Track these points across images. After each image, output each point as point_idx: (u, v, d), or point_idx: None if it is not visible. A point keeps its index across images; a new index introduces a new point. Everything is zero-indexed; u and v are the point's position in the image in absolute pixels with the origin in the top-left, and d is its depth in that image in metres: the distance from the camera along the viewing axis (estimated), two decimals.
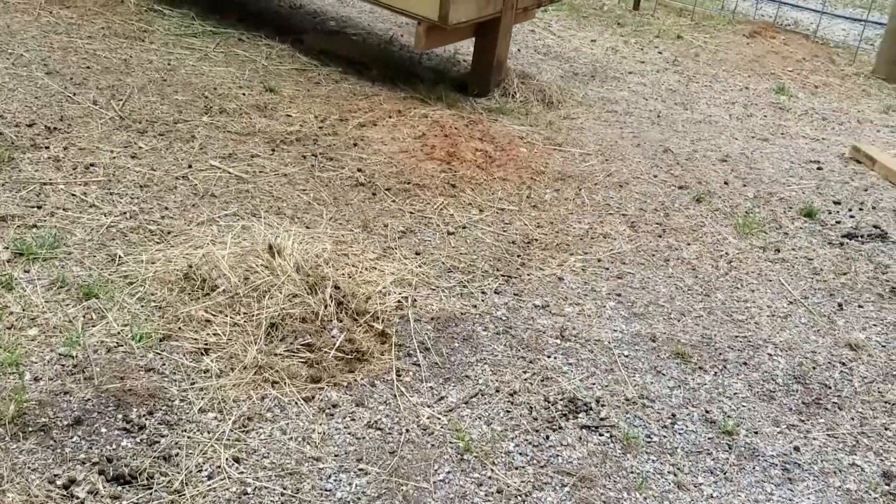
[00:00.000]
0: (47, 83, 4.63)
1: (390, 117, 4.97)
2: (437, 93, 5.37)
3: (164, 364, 2.93)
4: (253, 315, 3.12)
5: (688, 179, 4.88)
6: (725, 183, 4.91)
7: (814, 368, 3.46)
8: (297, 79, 5.31)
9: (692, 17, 8.61)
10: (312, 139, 4.60)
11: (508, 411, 3.01)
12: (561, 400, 3.09)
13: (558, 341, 3.39)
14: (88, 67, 4.91)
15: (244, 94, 4.96)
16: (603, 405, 3.10)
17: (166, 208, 3.79)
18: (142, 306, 3.16)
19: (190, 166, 4.15)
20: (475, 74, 5.45)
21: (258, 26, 6.00)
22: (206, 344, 3.02)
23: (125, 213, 3.70)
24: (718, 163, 5.17)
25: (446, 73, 5.86)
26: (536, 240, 4.08)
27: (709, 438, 3.03)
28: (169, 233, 3.61)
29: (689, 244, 4.24)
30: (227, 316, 3.13)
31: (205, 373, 2.92)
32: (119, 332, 3.01)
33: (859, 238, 4.46)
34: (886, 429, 3.21)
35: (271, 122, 4.70)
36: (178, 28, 5.74)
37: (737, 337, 3.58)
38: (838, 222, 4.64)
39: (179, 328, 3.07)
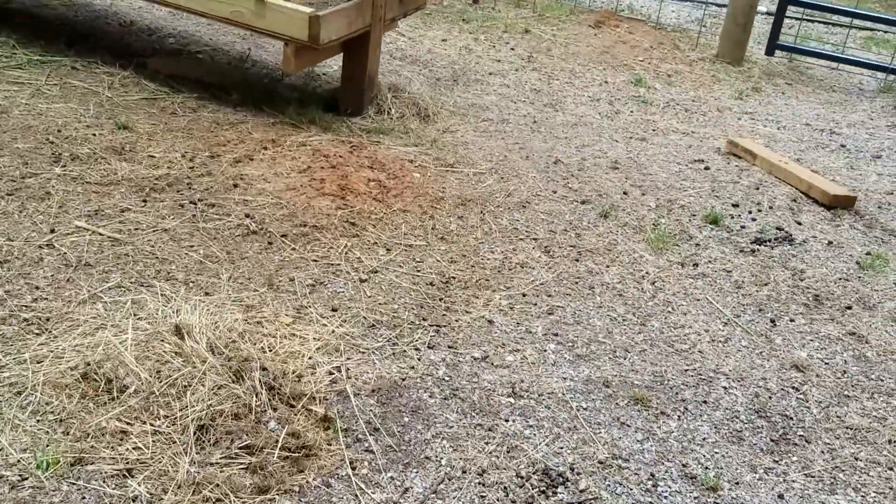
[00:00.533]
0: None
1: (265, 149, 4.51)
2: (308, 115, 4.94)
3: (84, 497, 2.43)
4: (176, 418, 2.66)
5: (587, 193, 4.66)
6: (625, 193, 4.72)
7: (770, 398, 3.30)
8: (148, 110, 4.76)
9: (533, 8, 8.45)
10: (186, 183, 4.09)
11: (483, 496, 2.68)
12: (534, 474, 2.79)
13: (511, 399, 3.09)
14: None
15: (94, 135, 4.39)
16: (579, 473, 2.81)
17: (37, 287, 3.23)
18: (38, 421, 2.64)
19: (52, 231, 3.59)
20: (347, 92, 5.04)
21: (91, 51, 5.37)
22: (127, 463, 2.54)
23: None
24: (610, 171, 4.99)
25: (310, 90, 5.43)
26: (454, 277, 3.75)
27: (695, 498, 2.80)
28: (48, 319, 3.07)
29: (608, 266, 4.02)
30: (145, 423, 2.65)
31: (134, 501, 2.44)
32: (19, 461, 2.49)
33: (768, 243, 4.36)
34: (857, 458, 3.08)
35: (134, 166, 4.16)
36: None
37: (686, 371, 3.38)
38: (743, 227, 4.53)
39: (91, 446, 2.57)
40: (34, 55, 5.18)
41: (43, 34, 5.47)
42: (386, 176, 4.39)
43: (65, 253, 3.46)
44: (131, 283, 3.34)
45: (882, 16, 8.50)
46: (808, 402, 3.32)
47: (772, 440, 3.09)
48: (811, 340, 3.69)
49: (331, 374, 3.06)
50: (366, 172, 4.37)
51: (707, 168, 5.21)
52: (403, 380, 3.10)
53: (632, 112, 6.20)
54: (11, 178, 3.90)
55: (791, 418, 3.21)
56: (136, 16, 6.31)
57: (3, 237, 3.48)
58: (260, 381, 2.82)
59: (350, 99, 5.04)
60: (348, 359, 3.15)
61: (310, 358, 3.09)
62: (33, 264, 3.36)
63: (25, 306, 3.12)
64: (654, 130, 5.89)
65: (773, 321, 3.77)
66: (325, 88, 5.48)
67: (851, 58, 7.90)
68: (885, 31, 9.37)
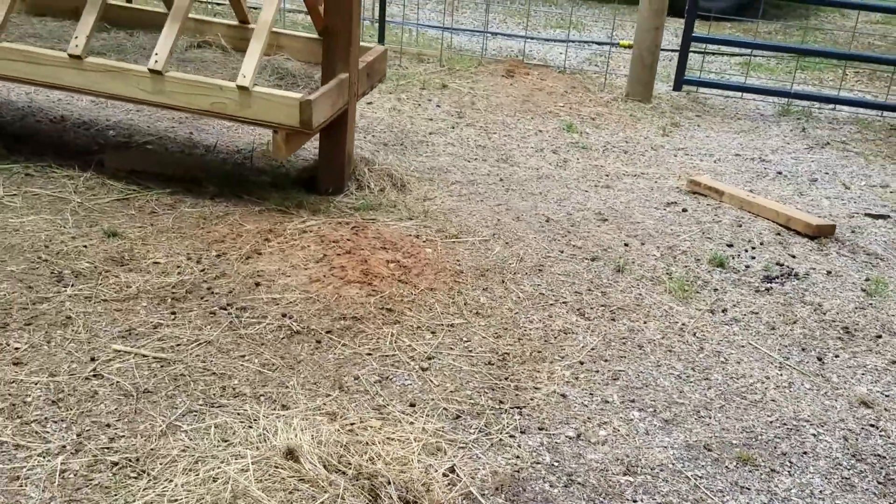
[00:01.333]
0: None
1: (267, 240, 4.33)
2: (292, 199, 4.78)
3: None
4: None
5: (591, 248, 4.68)
6: (626, 245, 4.77)
7: (857, 440, 3.37)
8: (127, 213, 4.51)
9: (440, 62, 8.48)
10: (206, 288, 3.88)
11: None
12: None
13: (629, 478, 3.04)
14: None
15: (86, 247, 4.12)
16: None
17: (107, 425, 2.99)
18: None
19: (93, 359, 3.33)
20: (326, 171, 4.91)
21: (36, 153, 5.06)
22: None
23: (65, 446, 2.87)
24: (601, 223, 5.03)
25: (280, 172, 5.26)
26: (507, 353, 3.69)
27: None
28: (137, 459, 2.83)
29: (645, 322, 4.04)
30: None
31: None
32: None
33: (777, 280, 4.48)
34: None
35: (143, 276, 3.92)
36: None
37: (772, 422, 3.41)
38: (747, 266, 4.64)
39: None
40: None
41: None
42: (401, 255, 4.28)
43: (117, 382, 3.21)
44: (201, 405, 3.13)
45: (779, 45, 8.95)
46: (890, 437, 3.40)
47: (878, 482, 3.15)
48: (863, 374, 3.80)
49: (446, 475, 2.94)
50: (382, 254, 4.26)
51: (685, 210, 5.32)
52: (518, 472, 3.01)
53: (578, 160, 6.29)
54: (22, 305, 3.61)
55: (884, 457, 3.28)
56: (63, 109, 5.98)
57: (44, 373, 3.21)
58: (398, 498, 2.68)
59: (330, 178, 4.91)
60: (451, 457, 3.04)
61: (419, 461, 2.96)
62: (90, 399, 3.11)
63: (106, 448, 2.87)
64: (607, 176, 5.99)
65: (819, 359, 3.86)
66: (295, 167, 5.32)
67: (755, 86, 8.28)
68: (779, 58, 9.85)
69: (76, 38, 4.46)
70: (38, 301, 3.65)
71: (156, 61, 4.38)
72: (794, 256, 4.79)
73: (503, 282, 4.25)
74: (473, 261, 4.40)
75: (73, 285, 3.79)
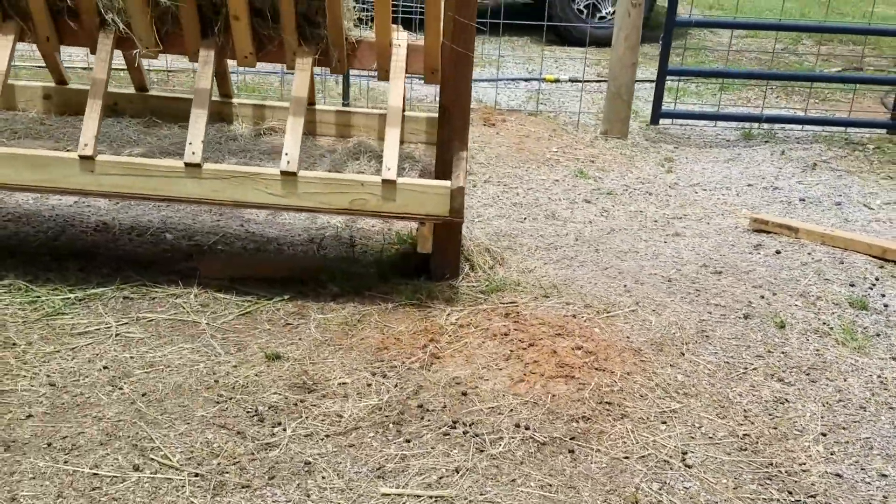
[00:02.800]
0: None
1: (433, 341, 4.07)
2: (421, 290, 4.52)
3: None
4: None
5: (733, 305, 4.64)
6: (762, 297, 4.74)
7: None
8: (263, 328, 4.15)
9: None
10: (415, 406, 3.61)
11: None
12: None
13: None
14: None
15: (258, 375, 3.76)
16: None
17: None
18: None
19: None
20: (443, 256, 4.64)
21: (116, 270, 4.59)
22: None
23: None
24: (717, 277, 4.99)
25: (383, 260, 4.96)
26: (747, 434, 3.59)
27: None
28: None
29: (845, 380, 4.02)
30: None
31: None
32: None
33: None
34: None
35: (342, 401, 3.61)
36: (24, 307, 4.18)
37: None
38: (886, 306, 4.70)
39: None
40: (63, 292, 4.33)
41: (38, 262, 4.59)
42: (580, 340, 4.11)
43: None
44: None
45: (752, 71, 9.19)
46: None
47: None
48: None
49: None
50: (561, 342, 4.07)
51: (778, 252, 5.35)
52: None
53: (615, 207, 6.24)
54: (250, 456, 3.23)
55: None
56: (84, 213, 5.43)
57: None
58: None
59: (447, 263, 4.66)
60: None
61: None
62: None
63: None
64: (656, 222, 5.97)
65: None
66: (395, 253, 5.03)
67: (730, 113, 8.48)
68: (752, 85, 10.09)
69: (190, 143, 4.06)
70: (261, 449, 3.28)
71: (287, 162, 4.04)
72: None
73: (682, 354, 4.14)
74: (640, 335, 4.26)
75: (280, 424, 3.43)
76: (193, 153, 4.03)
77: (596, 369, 3.92)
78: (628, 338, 4.23)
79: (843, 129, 8.30)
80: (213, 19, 4.20)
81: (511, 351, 3.99)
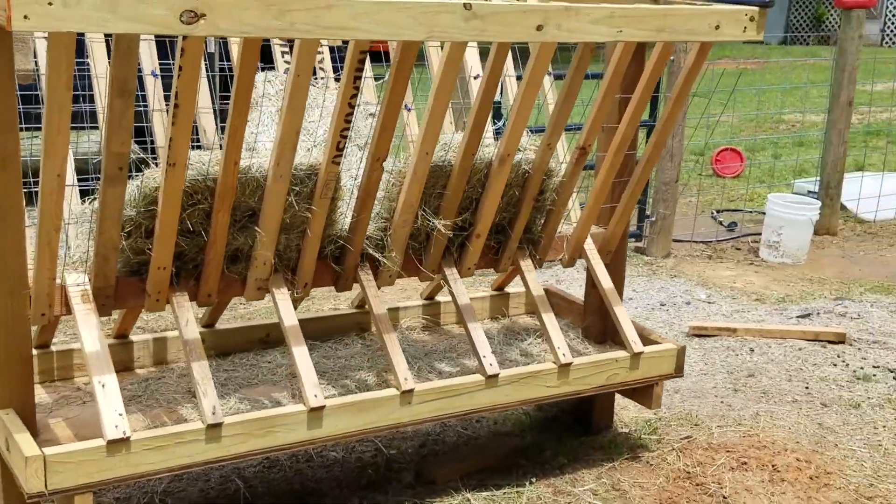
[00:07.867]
0: None
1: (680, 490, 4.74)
2: (606, 450, 5.10)
3: None
4: None
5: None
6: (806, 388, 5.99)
7: None
8: None
9: None
10: None
11: None
12: None
13: None
14: None
15: None
16: None
17: None
18: None
19: None
20: (603, 406, 5.26)
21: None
22: None
23: None
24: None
25: (539, 419, 5.43)
26: None
27: None
28: None
29: None
30: None
31: None
32: None
33: None
34: None
35: None
36: None
37: None
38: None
39: None
40: None
41: None
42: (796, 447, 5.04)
43: None
44: None
45: None
46: None
47: None
48: None
49: None
50: (782, 458, 4.96)
51: (751, 350, 6.66)
52: None
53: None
54: None
55: None
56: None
57: None
58: None
59: (604, 413, 5.33)
60: None
61: None
62: None
63: None
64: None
65: None
66: (551, 411, 5.50)
67: None
68: None
69: (485, 357, 4.39)
70: None
71: (563, 354, 4.55)
72: None
73: None
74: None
75: None
76: (490, 364, 4.37)
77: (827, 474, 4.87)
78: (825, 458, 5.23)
79: None
80: (454, 239, 4.57)
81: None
